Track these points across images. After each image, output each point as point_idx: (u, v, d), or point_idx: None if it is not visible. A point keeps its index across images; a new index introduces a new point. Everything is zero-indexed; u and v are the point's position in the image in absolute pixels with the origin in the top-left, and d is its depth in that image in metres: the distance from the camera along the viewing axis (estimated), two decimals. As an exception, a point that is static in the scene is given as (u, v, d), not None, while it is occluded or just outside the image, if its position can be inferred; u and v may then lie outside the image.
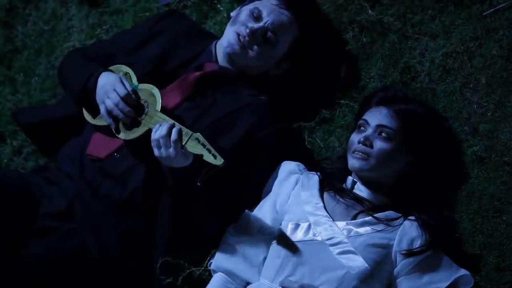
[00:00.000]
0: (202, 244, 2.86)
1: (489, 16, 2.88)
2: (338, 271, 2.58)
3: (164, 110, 2.73)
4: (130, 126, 2.75)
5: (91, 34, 3.36)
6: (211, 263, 2.78)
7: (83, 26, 3.38)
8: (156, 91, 2.76)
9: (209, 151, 2.51)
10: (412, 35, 2.96)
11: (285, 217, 2.73)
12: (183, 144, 2.57)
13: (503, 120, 2.79)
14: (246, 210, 2.80)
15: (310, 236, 2.64)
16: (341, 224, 2.64)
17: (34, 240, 2.76)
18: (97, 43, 3.19)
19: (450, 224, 2.72)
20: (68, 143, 2.96)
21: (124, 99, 2.72)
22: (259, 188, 2.86)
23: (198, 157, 2.54)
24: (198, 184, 2.60)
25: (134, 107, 2.73)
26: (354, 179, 2.71)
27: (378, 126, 2.67)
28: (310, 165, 2.84)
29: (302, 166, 2.83)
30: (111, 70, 2.84)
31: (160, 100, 2.73)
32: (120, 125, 2.77)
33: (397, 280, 2.61)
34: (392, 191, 2.70)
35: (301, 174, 2.80)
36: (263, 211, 2.79)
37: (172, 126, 2.60)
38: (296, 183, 2.77)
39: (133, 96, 2.73)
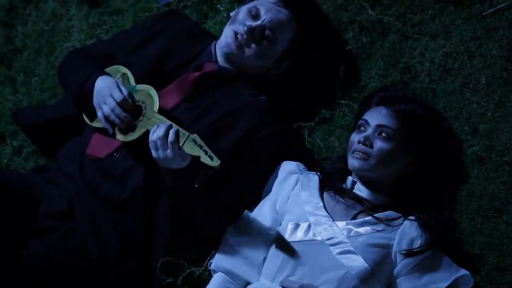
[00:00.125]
0: (202, 244, 2.86)
1: (489, 16, 2.88)
2: (338, 271, 2.58)
3: (162, 111, 2.73)
4: (126, 131, 2.75)
5: (91, 34, 3.36)
6: (211, 263, 2.78)
7: (83, 26, 3.38)
8: (153, 92, 2.76)
9: (206, 153, 2.51)
10: (412, 35, 2.96)
11: (285, 217, 2.73)
12: (180, 145, 2.57)
13: (503, 120, 2.79)
14: (246, 210, 2.80)
15: (310, 236, 2.64)
16: (341, 224, 2.64)
17: (34, 240, 2.76)
18: (97, 43, 3.20)
19: (450, 224, 2.72)
20: (68, 143, 2.97)
21: (121, 104, 2.72)
22: (259, 188, 2.86)
23: (196, 159, 2.54)
24: (196, 185, 2.60)
25: (131, 111, 2.73)
26: (354, 179, 2.71)
27: (378, 126, 2.67)
28: (310, 165, 2.84)
29: (302, 166, 2.83)
30: (108, 73, 2.84)
31: (158, 101, 2.73)
32: (118, 128, 2.77)
33: (397, 280, 2.61)
34: (392, 191, 2.70)
35: (301, 174, 2.80)
36: (263, 211, 2.79)
37: (170, 127, 2.60)
38: (296, 183, 2.77)
39: (129, 101, 2.73)
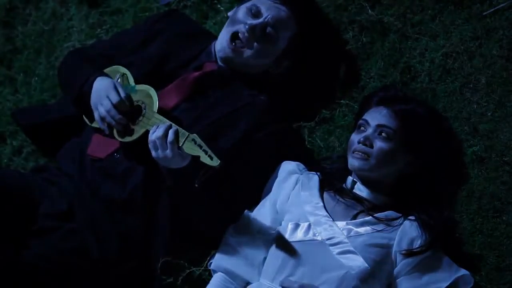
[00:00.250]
0: (202, 244, 2.86)
1: (489, 16, 2.88)
2: (338, 271, 2.58)
3: (161, 110, 2.73)
4: (123, 133, 2.74)
5: (91, 34, 3.36)
6: (211, 263, 2.78)
7: (83, 26, 3.38)
8: (153, 92, 2.76)
9: (206, 152, 2.51)
10: (412, 35, 2.96)
11: (285, 217, 2.73)
12: (180, 145, 2.57)
13: (503, 120, 2.79)
14: (246, 210, 2.80)
15: (310, 236, 2.64)
16: (341, 224, 2.64)
17: (34, 240, 2.76)
18: (97, 43, 3.19)
19: (450, 224, 2.72)
20: (68, 143, 2.96)
21: (116, 106, 2.72)
22: (259, 188, 2.86)
23: (196, 158, 2.54)
24: (196, 185, 2.60)
25: (127, 114, 2.73)
26: (354, 179, 2.71)
27: (378, 126, 2.67)
28: (310, 165, 2.84)
29: (302, 166, 2.83)
30: (107, 74, 2.84)
31: (157, 101, 2.73)
32: (115, 130, 2.77)
33: (397, 280, 2.61)
34: (392, 191, 2.70)
35: (301, 174, 2.80)
36: (263, 211, 2.79)
37: (169, 127, 2.59)
38: (296, 183, 2.77)
39: (126, 103, 2.73)
